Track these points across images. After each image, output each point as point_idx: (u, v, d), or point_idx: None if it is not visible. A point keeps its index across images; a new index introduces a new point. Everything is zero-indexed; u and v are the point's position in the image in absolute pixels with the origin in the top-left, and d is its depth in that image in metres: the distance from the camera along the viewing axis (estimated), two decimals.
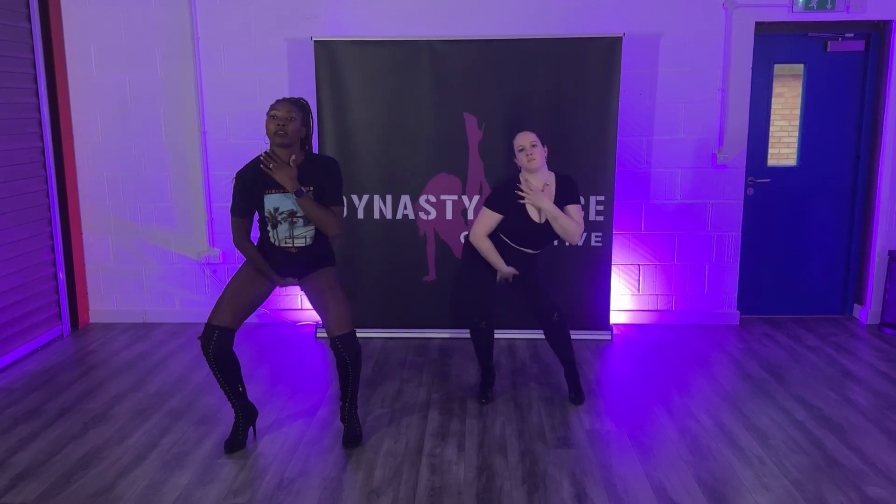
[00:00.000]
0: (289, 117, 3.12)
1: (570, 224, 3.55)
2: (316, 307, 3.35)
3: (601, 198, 4.78)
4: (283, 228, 3.23)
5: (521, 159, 3.60)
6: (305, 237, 3.25)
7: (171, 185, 5.13)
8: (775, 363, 4.38)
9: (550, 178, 3.64)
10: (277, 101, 3.17)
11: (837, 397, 3.85)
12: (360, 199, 4.85)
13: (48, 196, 4.88)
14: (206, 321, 3.23)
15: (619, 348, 4.70)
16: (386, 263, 4.91)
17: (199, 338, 3.21)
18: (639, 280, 5.16)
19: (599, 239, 4.83)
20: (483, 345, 3.84)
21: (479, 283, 3.75)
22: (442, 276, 4.92)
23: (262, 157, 3.12)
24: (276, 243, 3.25)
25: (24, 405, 3.82)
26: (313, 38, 4.70)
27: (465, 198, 4.83)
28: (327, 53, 4.70)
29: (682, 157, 5.00)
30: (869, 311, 5.15)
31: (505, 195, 3.63)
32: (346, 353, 3.19)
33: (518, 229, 3.64)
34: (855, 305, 5.31)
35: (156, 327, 5.18)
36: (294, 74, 4.95)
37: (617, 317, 5.14)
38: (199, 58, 4.96)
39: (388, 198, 4.85)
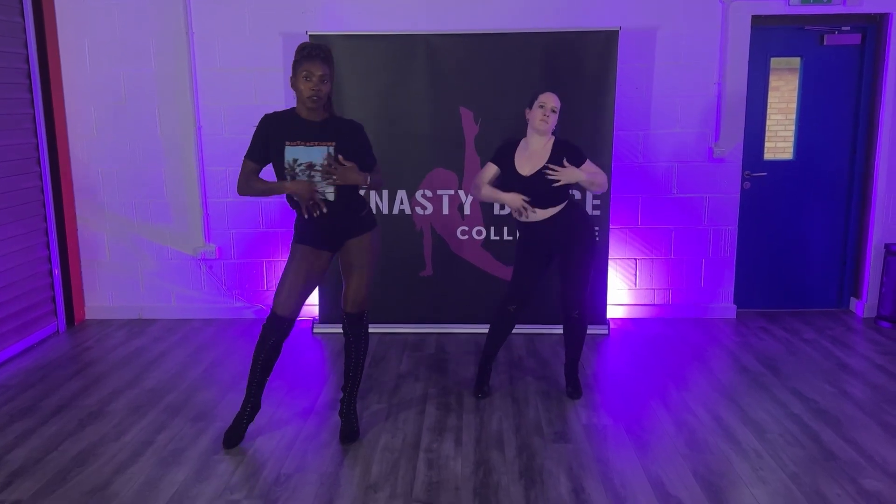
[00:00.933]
0: (323, 77, 3.01)
1: (596, 178, 3.57)
2: (343, 274, 3.36)
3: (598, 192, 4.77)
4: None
5: (535, 116, 3.54)
6: (325, 192, 3.14)
7: (167, 180, 5.11)
8: (772, 357, 4.38)
9: (550, 142, 3.61)
10: (309, 55, 3.00)
11: (834, 390, 3.85)
12: None
13: (42, 192, 4.86)
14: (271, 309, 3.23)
15: (616, 342, 4.70)
16: (382, 259, 4.84)
17: (264, 326, 3.21)
18: (636, 274, 5.16)
19: (596, 233, 4.82)
20: (500, 328, 3.82)
21: (524, 267, 3.71)
22: (438, 271, 4.91)
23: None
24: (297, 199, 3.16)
25: (19, 402, 3.81)
26: (308, 33, 4.67)
27: (461, 193, 4.82)
28: None
29: (679, 151, 4.99)
30: (865, 305, 5.15)
31: (504, 150, 3.65)
32: (352, 331, 3.27)
33: (509, 185, 3.61)
34: (851, 299, 5.32)
35: (152, 323, 5.17)
36: (289, 69, 4.90)
37: (614, 311, 5.13)
38: (193, 52, 4.93)
39: (385, 193, 4.84)
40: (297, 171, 3.11)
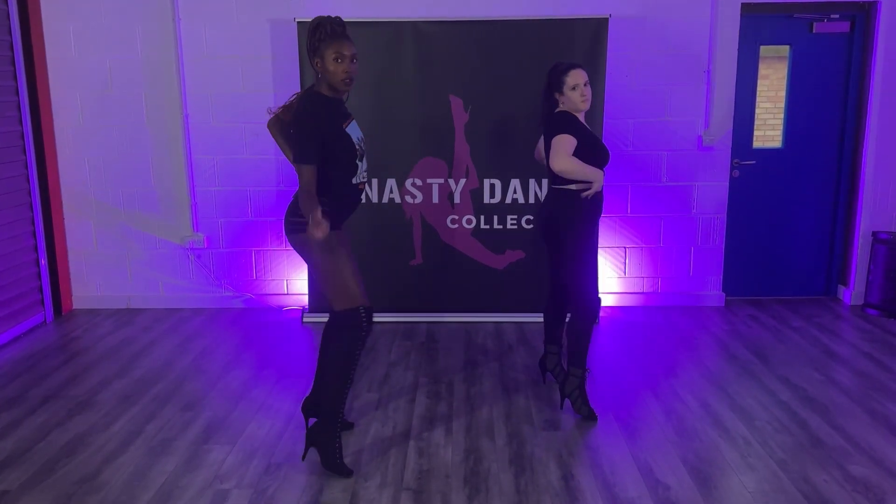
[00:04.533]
0: (353, 56, 2.80)
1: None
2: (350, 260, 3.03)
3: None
4: (365, 160, 2.97)
5: (573, 98, 3.28)
6: (364, 172, 2.99)
7: (154, 168, 5.07)
8: (760, 344, 4.41)
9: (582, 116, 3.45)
10: (334, 33, 2.78)
11: (821, 378, 3.88)
12: None
13: (28, 180, 4.81)
14: (351, 307, 2.90)
15: (606, 331, 4.72)
16: (372, 248, 4.88)
17: (364, 323, 2.89)
18: (625, 263, 5.17)
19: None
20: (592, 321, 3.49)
21: (595, 257, 3.42)
22: (429, 259, 4.90)
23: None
24: (358, 181, 2.94)
25: (6, 392, 3.78)
26: (296, 19, 4.63)
27: (451, 181, 4.81)
28: None
29: (668, 140, 4.99)
30: (852, 293, 5.19)
31: (576, 121, 3.33)
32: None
33: (600, 158, 3.35)
34: (839, 286, 5.35)
35: (140, 313, 5.14)
36: (277, 56, 4.89)
37: (603, 299, 5.15)
38: (180, 39, 4.88)
39: (374, 182, 4.82)
40: (363, 148, 2.94)
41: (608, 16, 4.61)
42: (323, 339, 3.13)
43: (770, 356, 4.20)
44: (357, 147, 2.89)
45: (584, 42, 4.62)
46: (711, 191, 5.06)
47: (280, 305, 5.23)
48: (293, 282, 5.21)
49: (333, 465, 2.91)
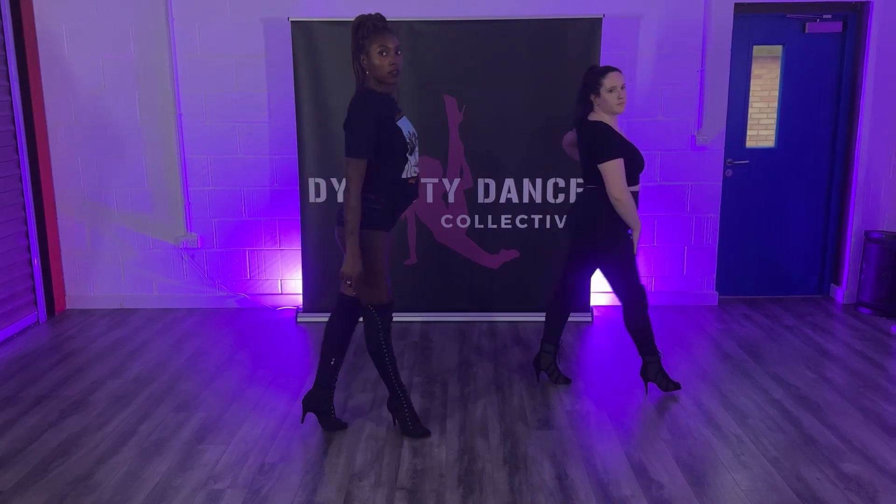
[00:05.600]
0: (397, 48, 2.86)
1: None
2: (385, 262, 3.12)
3: (581, 180, 4.77)
4: (415, 154, 3.00)
5: (611, 100, 3.35)
6: (415, 168, 3.01)
7: (147, 168, 5.06)
8: (753, 343, 4.42)
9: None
10: (377, 27, 2.83)
11: (814, 376, 3.90)
12: (339, 182, 4.81)
13: (21, 180, 4.79)
14: (373, 304, 3.08)
15: (600, 330, 4.72)
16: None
17: (381, 320, 3.10)
18: None
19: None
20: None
21: (630, 251, 3.49)
22: (423, 259, 4.90)
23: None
24: (407, 174, 2.97)
25: None
26: (290, 19, 4.63)
27: (445, 181, 4.81)
28: (304, 34, 4.64)
29: (662, 139, 5.01)
30: (845, 291, 5.21)
31: (616, 137, 3.39)
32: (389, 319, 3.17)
33: (637, 166, 3.43)
34: (831, 285, 5.37)
35: (133, 313, 5.12)
36: (271, 55, 4.89)
37: (598, 298, 5.16)
38: (173, 38, 4.87)
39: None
40: (414, 142, 2.97)
41: (602, 15, 4.62)
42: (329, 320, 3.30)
43: (763, 355, 4.22)
44: (408, 140, 2.95)
45: (577, 42, 4.63)
46: (705, 190, 5.07)
47: (274, 305, 5.22)
48: (287, 281, 5.20)
49: (408, 430, 3.21)
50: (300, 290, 5.04)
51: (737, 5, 4.83)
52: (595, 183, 3.45)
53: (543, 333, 3.80)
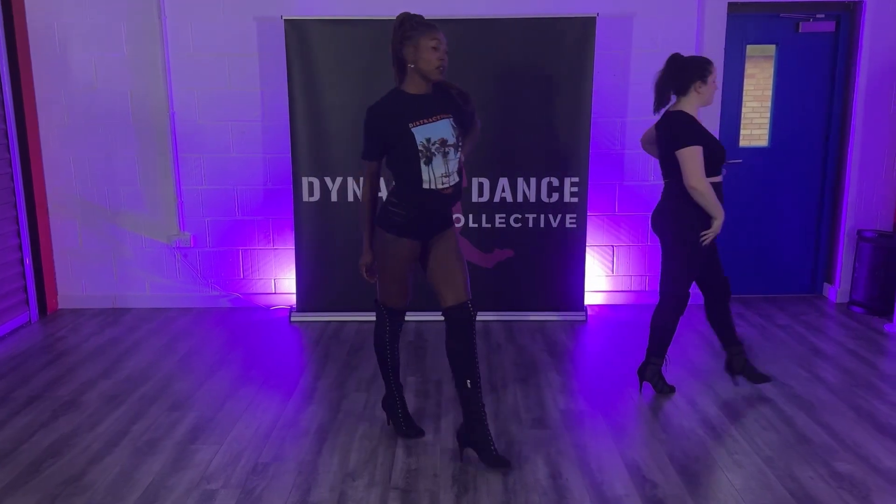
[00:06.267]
0: (446, 45, 2.83)
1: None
2: (437, 271, 3.01)
3: (575, 179, 4.79)
4: (437, 163, 2.82)
5: (711, 91, 3.37)
6: (454, 172, 2.88)
7: (140, 167, 5.04)
8: (747, 342, 4.42)
9: None
10: (425, 23, 2.81)
11: (807, 375, 3.91)
12: (333, 181, 4.80)
13: (12, 179, 4.76)
14: (383, 302, 3.14)
15: (594, 329, 4.73)
16: (360, 246, 4.86)
17: (397, 324, 3.18)
18: (613, 261, 5.18)
19: (574, 220, 4.84)
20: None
21: (694, 255, 3.47)
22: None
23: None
24: (431, 185, 2.84)
25: None
26: (283, 17, 4.61)
27: None
28: (298, 33, 4.62)
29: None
30: (838, 290, 5.23)
31: (696, 125, 3.35)
32: (461, 329, 2.91)
33: (720, 158, 3.38)
34: (824, 284, 5.39)
35: (126, 312, 5.10)
36: (264, 54, 4.87)
37: (591, 297, 5.16)
38: (166, 36, 4.85)
39: (362, 180, 4.79)
40: (432, 150, 2.81)
41: (596, 14, 4.62)
42: None
43: (756, 353, 4.22)
44: (421, 149, 2.80)
45: (571, 41, 4.63)
46: None
47: (267, 305, 5.20)
48: (281, 281, 5.19)
49: (402, 430, 3.22)
50: (294, 290, 5.03)
51: (730, 4, 4.84)
52: (673, 177, 3.41)
53: (719, 340, 3.74)
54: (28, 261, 4.91)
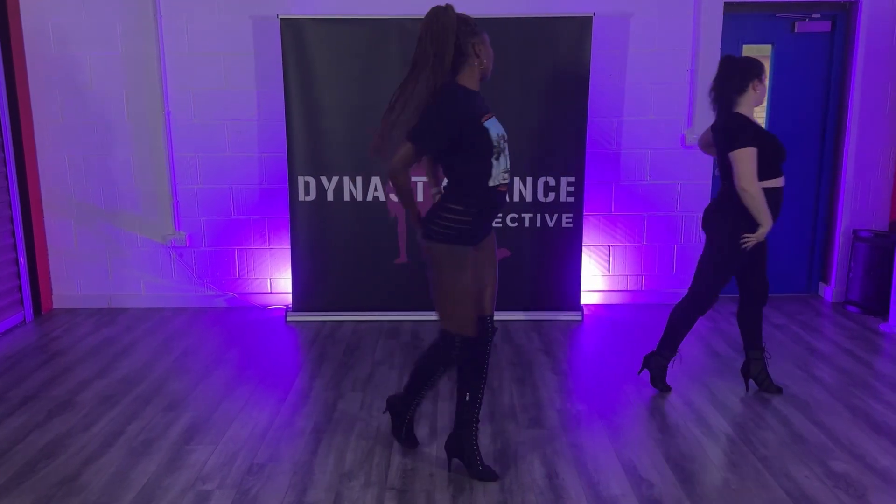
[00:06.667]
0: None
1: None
2: (472, 276, 2.79)
3: (572, 179, 4.78)
4: (503, 159, 2.71)
5: (762, 91, 3.36)
6: (506, 174, 2.73)
7: (135, 166, 5.02)
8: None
9: None
10: (476, 24, 2.72)
11: (803, 374, 3.91)
12: (329, 180, 4.79)
13: (7, 178, 4.75)
14: (452, 331, 2.77)
15: (590, 328, 4.73)
16: (356, 246, 4.87)
17: (466, 360, 2.82)
18: (609, 261, 5.18)
19: (570, 220, 4.84)
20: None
21: (734, 260, 3.46)
22: (413, 258, 4.88)
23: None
24: (495, 181, 2.69)
25: None
26: (279, 16, 4.60)
27: None
28: (294, 32, 4.61)
29: (652, 138, 5.01)
30: (834, 290, 5.24)
31: (752, 127, 3.31)
32: (487, 340, 2.85)
33: (779, 157, 3.35)
34: (820, 284, 5.39)
35: (121, 312, 5.09)
36: (260, 53, 4.86)
37: (588, 297, 5.16)
38: (161, 35, 4.84)
39: (359, 179, 4.80)
40: (503, 147, 2.71)
41: (592, 14, 4.62)
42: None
43: None
44: (495, 143, 2.68)
45: (568, 41, 4.63)
46: (694, 189, 5.08)
47: (263, 304, 5.19)
48: (276, 280, 5.18)
49: (477, 472, 2.85)
50: (290, 290, 5.02)
51: (726, 4, 4.85)
52: (729, 179, 3.38)
53: (743, 341, 3.70)
54: (23, 260, 4.89)
